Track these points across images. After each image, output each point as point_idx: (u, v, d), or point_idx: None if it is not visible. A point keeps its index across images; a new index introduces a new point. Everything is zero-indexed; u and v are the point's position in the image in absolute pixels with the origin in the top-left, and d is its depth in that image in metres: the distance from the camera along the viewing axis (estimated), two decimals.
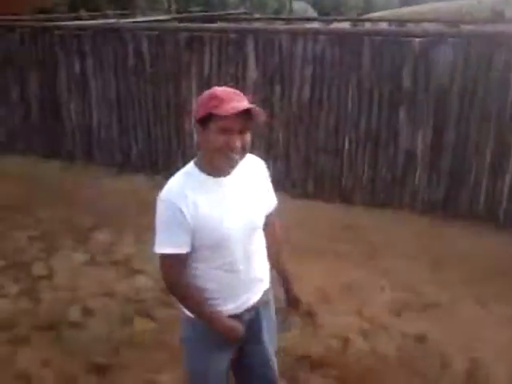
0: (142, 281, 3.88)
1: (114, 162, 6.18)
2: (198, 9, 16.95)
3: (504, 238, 4.38)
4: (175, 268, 1.79)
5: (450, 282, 3.81)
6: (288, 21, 11.32)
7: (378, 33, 5.26)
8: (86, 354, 3.07)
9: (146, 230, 4.51)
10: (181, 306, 1.92)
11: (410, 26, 8.19)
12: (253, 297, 1.90)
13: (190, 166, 1.80)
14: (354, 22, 11.72)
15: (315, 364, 3.00)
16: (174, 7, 15.01)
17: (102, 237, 4.60)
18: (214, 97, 1.66)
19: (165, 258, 1.77)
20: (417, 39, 4.71)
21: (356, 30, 5.90)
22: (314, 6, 24.31)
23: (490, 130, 4.54)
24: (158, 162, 5.99)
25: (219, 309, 1.84)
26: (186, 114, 5.67)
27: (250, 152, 1.78)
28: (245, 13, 13.78)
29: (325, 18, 15.42)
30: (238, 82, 5.34)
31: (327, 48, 4.99)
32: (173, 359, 3.01)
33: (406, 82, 4.74)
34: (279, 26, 8.25)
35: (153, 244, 1.79)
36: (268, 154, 5.37)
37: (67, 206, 5.15)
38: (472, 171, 4.65)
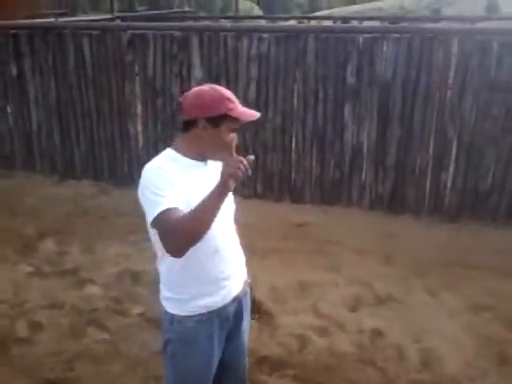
0: (92, 290, 3.75)
1: (56, 168, 5.93)
2: (142, 8, 16.65)
3: (450, 228, 4.51)
4: (173, 216, 1.63)
5: (402, 274, 3.88)
6: (234, 19, 11.29)
7: (322, 30, 5.29)
8: (37, 371, 2.94)
9: (94, 237, 4.47)
10: (163, 305, 1.89)
11: (354, 24, 8.32)
12: (236, 285, 1.94)
13: (170, 152, 1.82)
14: (300, 19, 11.83)
15: (274, 365, 2.99)
16: (117, 6, 14.68)
17: (47, 246, 4.43)
18: (226, 98, 1.75)
19: (163, 214, 1.64)
20: (360, 36, 4.77)
21: (300, 28, 5.91)
22: (260, 4, 24.39)
23: (432, 124, 4.65)
24: (102, 167, 5.80)
25: (215, 296, 1.85)
26: (130, 117, 5.53)
27: None
28: (190, 11, 13.65)
29: (271, 16, 15.52)
30: (183, 81, 5.26)
31: (272, 46, 4.97)
32: (129, 370, 2.94)
33: (351, 79, 4.78)
34: (224, 23, 8.17)
35: (149, 213, 1.68)
36: None
37: (8, 216, 4.93)
38: (417, 165, 4.74)
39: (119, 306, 3.55)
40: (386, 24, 7.77)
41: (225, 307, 1.89)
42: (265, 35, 5.02)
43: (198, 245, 1.67)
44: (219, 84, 5.21)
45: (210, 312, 1.86)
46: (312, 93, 4.90)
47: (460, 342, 3.14)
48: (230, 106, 1.74)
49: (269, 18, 13.42)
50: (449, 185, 4.71)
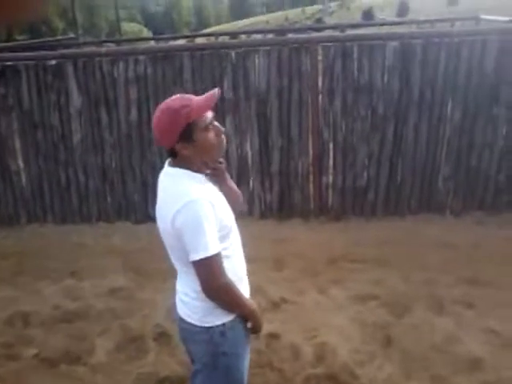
0: None
1: None
2: (22, 37, 15.97)
3: (335, 227, 4.76)
4: (221, 266, 1.72)
5: (293, 277, 4.03)
6: (118, 43, 11.15)
7: (196, 48, 5.40)
8: None
9: None
10: (202, 324, 1.85)
11: (228, 40, 8.52)
12: (246, 291, 2.02)
13: (184, 170, 1.78)
14: (190, 38, 11.94)
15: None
16: None
17: None
18: (178, 108, 1.69)
19: (213, 258, 1.69)
20: (233, 51, 4.93)
21: (175, 47, 5.98)
22: (148, 26, 24.29)
23: (309, 129, 4.89)
24: None
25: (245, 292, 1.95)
26: (9, 153, 5.30)
27: None
28: (71, 38, 13.29)
29: (159, 37, 15.47)
30: (62, 110, 5.13)
31: (149, 67, 4.99)
32: None
33: (228, 93, 4.92)
34: (99, 48, 8.03)
35: (195, 251, 1.69)
36: (103, 181, 5.24)
37: None
38: (299, 170, 4.97)
39: (10, 350, 3.38)
40: (271, 36, 8.12)
41: None
42: (140, 57, 5.03)
43: (232, 246, 1.86)
44: (99, 111, 5.20)
45: None
46: None
47: (349, 332, 3.33)
48: (186, 111, 1.69)
49: (157, 38, 13.33)
50: (330, 186, 4.97)
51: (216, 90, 1.76)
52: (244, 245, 4.52)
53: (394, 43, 4.72)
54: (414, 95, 4.75)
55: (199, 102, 1.72)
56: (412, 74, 4.71)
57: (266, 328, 3.38)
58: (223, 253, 1.77)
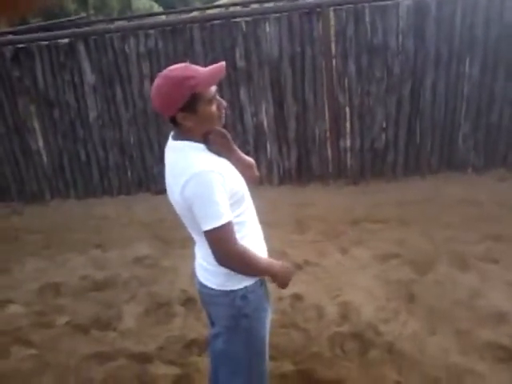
0: (13, 309, 3.64)
1: None
2: (36, 20, 15.99)
3: (355, 190, 4.75)
4: (233, 234, 1.71)
5: (315, 239, 4.05)
6: (130, 19, 11.06)
7: (206, 19, 5.34)
8: None
9: (9, 258, 4.33)
10: (223, 288, 1.85)
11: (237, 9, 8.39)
12: (265, 253, 1.98)
13: (187, 142, 1.75)
14: (201, 10, 11.74)
15: (202, 346, 3.04)
16: (4, 20, 14.04)
17: None
18: (184, 78, 1.64)
19: (225, 227, 1.67)
20: (243, 19, 4.87)
21: (184, 19, 5.91)
22: (158, 1, 24.00)
23: (324, 94, 4.84)
24: (9, 187, 5.60)
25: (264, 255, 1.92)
26: (29, 133, 5.38)
27: None
28: (83, 17, 13.26)
29: (171, 10, 15.29)
30: (76, 88, 5.17)
31: (159, 41, 4.98)
32: (59, 380, 2.90)
33: (240, 63, 4.89)
34: (109, 25, 7.96)
35: (206, 222, 1.67)
36: (122, 155, 5.29)
37: None
38: (316, 135, 4.94)
39: (44, 318, 3.48)
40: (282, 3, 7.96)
41: None
42: (150, 31, 5.01)
43: (247, 212, 1.84)
44: (113, 87, 5.24)
45: None
46: None
47: (373, 291, 3.34)
48: (192, 83, 1.64)
49: (167, 13, 13.13)
50: (348, 149, 4.94)
51: (223, 63, 1.73)
52: (265, 210, 4.53)
53: (407, 2, 4.61)
54: (430, 53, 4.65)
55: (206, 75, 1.69)
56: (427, 32, 4.61)
57: (291, 289, 3.41)
58: (237, 219, 1.77)
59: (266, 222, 4.37)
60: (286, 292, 3.42)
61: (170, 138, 1.82)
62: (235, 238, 1.71)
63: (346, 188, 4.80)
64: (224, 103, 1.78)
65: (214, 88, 1.72)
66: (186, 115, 1.68)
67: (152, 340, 3.12)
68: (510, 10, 4.45)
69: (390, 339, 2.89)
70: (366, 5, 4.67)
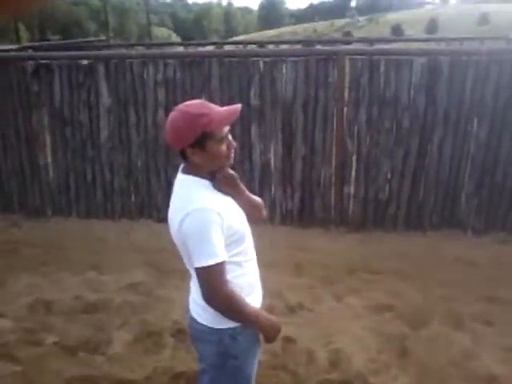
0: (1, 323, 3.62)
1: None
2: (55, 37, 16.35)
3: (355, 238, 4.77)
4: (223, 276, 1.72)
5: (311, 284, 4.05)
6: (148, 46, 11.33)
7: (225, 55, 5.49)
8: None
9: (4, 271, 4.33)
10: (213, 325, 1.85)
11: (256, 48, 8.62)
12: (259, 296, 2.01)
13: (193, 178, 1.80)
14: (218, 45, 12.04)
15: (191, 379, 3.01)
16: (26, 36, 14.35)
17: None
18: (198, 115, 1.69)
19: (216, 267, 1.69)
20: (261, 59, 5.01)
21: (204, 53, 6.08)
22: (177, 31, 24.63)
23: (333, 139, 4.93)
24: (12, 199, 5.62)
25: (258, 298, 1.96)
26: (39, 147, 5.44)
27: None
28: (103, 40, 13.57)
29: (190, 42, 15.65)
30: (92, 109, 5.26)
31: (178, 71, 5.10)
32: None
33: (254, 101, 4.99)
34: (130, 51, 8.17)
35: (198, 259, 1.70)
36: (128, 179, 5.34)
37: None
38: (321, 179, 5.00)
39: (32, 336, 3.46)
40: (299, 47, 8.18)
41: None
42: (170, 61, 5.14)
43: (245, 253, 1.86)
44: (127, 110, 5.32)
45: None
46: None
47: (365, 341, 3.33)
48: (205, 121, 1.69)
49: (186, 44, 13.37)
50: (352, 196, 4.99)
51: (239, 106, 1.78)
52: (264, 250, 4.56)
53: (422, 59, 4.74)
54: (440, 112, 4.75)
55: (220, 114, 1.73)
56: (438, 91, 4.72)
57: (283, 332, 3.40)
58: (235, 258, 1.80)
59: (264, 262, 4.38)
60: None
61: (180, 170, 1.86)
62: (225, 280, 1.72)
63: (346, 235, 4.83)
64: (234, 144, 1.81)
65: (226, 128, 1.77)
66: (196, 151, 1.72)
67: (140, 368, 3.10)
68: None
69: None
70: (382, 57, 4.81)
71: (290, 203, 5.09)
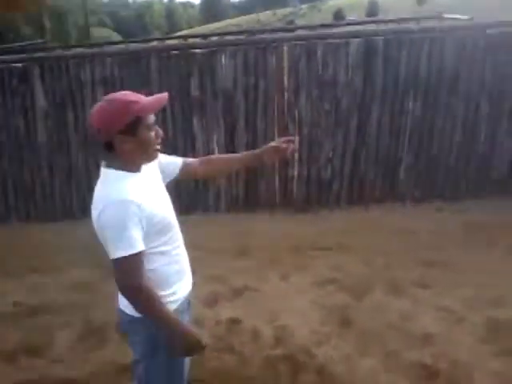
0: None
1: None
2: None
3: (300, 218, 4.84)
4: (139, 267, 1.68)
5: (256, 265, 4.09)
6: (88, 47, 11.05)
7: (163, 49, 5.47)
8: None
9: None
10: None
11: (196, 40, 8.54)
12: (188, 282, 1.98)
13: (115, 171, 1.74)
14: (161, 41, 11.81)
15: None
16: None
17: None
18: (129, 101, 1.69)
19: (130, 258, 1.65)
20: (199, 51, 5.00)
21: (141, 48, 6.02)
22: (118, 30, 24.19)
23: (275, 124, 4.98)
24: None
25: (177, 295, 1.89)
26: None
27: None
28: (41, 43, 13.22)
29: (130, 40, 15.29)
30: (27, 112, 5.15)
31: (115, 68, 5.04)
32: None
33: (195, 91, 4.99)
34: (65, 52, 7.97)
35: (113, 250, 1.65)
36: (69, 180, 5.26)
37: None
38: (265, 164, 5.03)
39: None
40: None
41: (185, 298, 1.96)
42: (107, 59, 5.09)
43: (171, 241, 1.84)
44: (65, 111, 5.22)
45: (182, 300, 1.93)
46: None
47: (309, 315, 3.38)
48: (138, 106, 1.68)
49: (126, 42, 12.99)
50: (295, 178, 5.05)
51: (166, 94, 1.79)
52: (210, 237, 4.61)
53: (357, 41, 4.84)
54: (377, 91, 4.87)
55: (149, 101, 1.74)
56: (374, 70, 4.83)
57: (228, 314, 3.46)
58: (161, 248, 1.80)
59: (210, 249, 4.43)
60: (224, 316, 3.45)
61: (102, 166, 1.81)
62: (141, 272, 1.70)
63: (291, 216, 4.89)
64: (161, 132, 1.81)
65: (152, 116, 1.77)
66: (125, 138, 1.70)
67: (84, 365, 3.06)
68: (449, 55, 4.73)
69: (322, 362, 2.92)
70: (319, 41, 4.88)
71: (235, 189, 5.12)
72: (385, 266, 3.87)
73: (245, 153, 2.29)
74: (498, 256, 3.92)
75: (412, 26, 6.91)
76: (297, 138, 2.07)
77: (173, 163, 2.04)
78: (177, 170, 2.04)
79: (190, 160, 2.13)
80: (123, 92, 1.76)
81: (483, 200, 4.86)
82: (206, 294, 3.72)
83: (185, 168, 2.06)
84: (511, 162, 4.97)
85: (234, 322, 3.38)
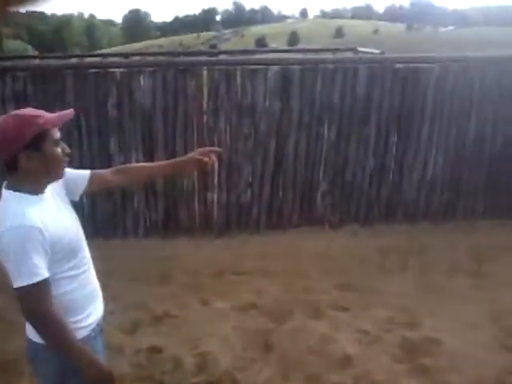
0: None
1: None
2: None
3: (220, 243, 4.87)
4: (44, 294, 1.61)
5: (177, 292, 4.04)
6: (1, 60, 10.48)
7: (81, 66, 5.31)
8: None
9: None
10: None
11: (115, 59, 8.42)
12: (99, 307, 1.95)
13: (17, 193, 1.67)
14: (80, 57, 11.47)
15: None
16: None
17: None
18: (33, 116, 1.66)
19: (33, 287, 1.59)
20: (118, 70, 4.91)
21: (58, 65, 5.82)
22: (34, 44, 23.29)
23: (194, 146, 4.95)
24: None
25: (88, 320, 1.85)
26: None
27: None
28: None
29: (47, 55, 14.71)
30: None
31: (29, 85, 4.81)
32: None
33: (112, 111, 4.88)
34: None
35: (15, 279, 1.59)
36: None
37: None
38: (184, 187, 5.01)
39: None
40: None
41: (97, 324, 1.93)
42: (20, 74, 4.85)
43: (77, 266, 1.79)
44: None
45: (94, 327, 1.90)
46: (74, 127, 4.85)
47: (231, 340, 3.40)
48: (41, 120, 1.65)
49: (42, 57, 12.51)
50: (215, 202, 5.08)
51: (71, 110, 1.78)
52: (128, 263, 4.48)
53: (275, 68, 5.00)
54: (294, 116, 5.04)
55: (53, 115, 1.73)
56: (291, 97, 5.00)
57: (149, 342, 3.38)
58: (68, 273, 1.75)
59: (130, 275, 4.31)
60: (144, 345, 3.36)
61: (4, 187, 1.73)
62: (47, 299, 1.64)
63: (211, 241, 4.90)
64: (68, 149, 1.78)
65: (58, 133, 1.74)
66: (31, 155, 1.64)
67: None
68: (361, 86, 5.01)
69: None
70: (238, 67, 4.98)
71: (154, 214, 5.04)
72: (304, 290, 3.98)
73: (166, 161, 2.31)
74: (409, 279, 4.17)
75: (327, 56, 7.26)
76: (220, 150, 2.22)
77: (81, 176, 1.98)
78: (85, 182, 1.97)
79: (102, 170, 2.09)
80: (27, 108, 1.74)
81: (394, 224, 5.15)
82: (125, 321, 3.62)
83: (95, 179, 2.00)
84: (419, 188, 5.32)
85: (155, 349, 3.32)
